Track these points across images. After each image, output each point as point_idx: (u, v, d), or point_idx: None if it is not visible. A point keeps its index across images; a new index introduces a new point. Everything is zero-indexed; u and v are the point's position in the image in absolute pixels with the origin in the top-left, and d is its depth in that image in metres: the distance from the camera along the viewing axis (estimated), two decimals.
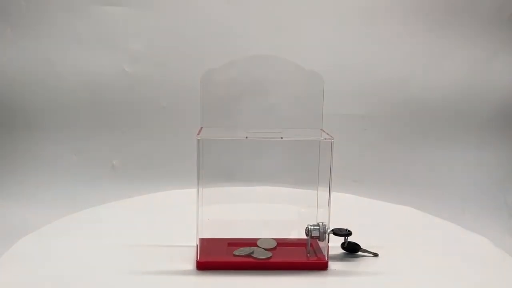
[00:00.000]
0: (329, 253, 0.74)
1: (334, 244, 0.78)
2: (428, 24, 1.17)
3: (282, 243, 0.78)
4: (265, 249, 0.77)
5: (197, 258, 0.73)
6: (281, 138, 0.72)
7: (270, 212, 0.80)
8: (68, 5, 1.18)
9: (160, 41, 1.21)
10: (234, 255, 0.75)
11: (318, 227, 0.75)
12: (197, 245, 0.73)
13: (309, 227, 0.76)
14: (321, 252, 0.77)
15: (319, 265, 0.74)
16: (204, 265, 0.72)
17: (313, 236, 0.75)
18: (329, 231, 0.74)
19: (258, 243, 0.79)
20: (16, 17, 1.18)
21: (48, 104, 1.20)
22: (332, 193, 0.73)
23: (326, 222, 0.74)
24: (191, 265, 0.73)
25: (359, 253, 0.79)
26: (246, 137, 0.71)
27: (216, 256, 0.75)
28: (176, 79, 1.21)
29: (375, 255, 0.79)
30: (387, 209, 1.07)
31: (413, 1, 1.18)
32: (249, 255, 0.75)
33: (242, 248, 0.77)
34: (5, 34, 1.19)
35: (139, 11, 1.19)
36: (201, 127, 0.76)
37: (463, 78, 1.23)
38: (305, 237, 0.76)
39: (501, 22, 1.20)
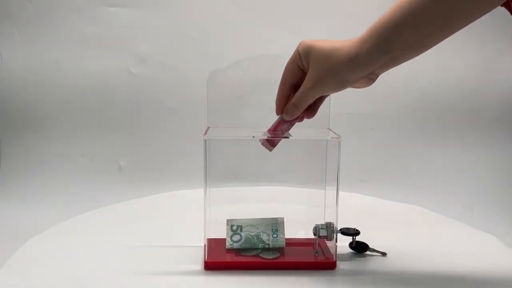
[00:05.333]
0: (337, 252, 0.74)
1: (342, 244, 0.78)
2: None
3: (289, 243, 0.78)
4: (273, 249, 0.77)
5: (205, 258, 0.73)
6: (288, 137, 0.72)
7: (278, 212, 0.80)
8: (74, 6, 1.18)
9: (166, 42, 1.21)
10: (242, 255, 0.75)
11: (326, 227, 0.75)
12: (204, 245, 0.73)
13: (317, 226, 0.75)
14: (329, 251, 0.77)
15: (327, 265, 0.74)
16: (212, 265, 0.73)
17: (321, 236, 0.75)
18: (337, 230, 0.74)
19: None
20: (23, 19, 1.19)
21: (55, 106, 1.21)
22: (340, 193, 0.73)
23: (334, 222, 0.74)
24: (199, 265, 0.74)
25: (367, 252, 0.79)
26: (253, 137, 0.71)
27: (223, 256, 0.75)
28: (182, 80, 1.21)
29: (384, 254, 0.79)
30: (395, 208, 1.07)
31: None
32: (256, 255, 0.75)
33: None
34: (12, 36, 1.20)
35: (145, 12, 1.19)
36: (208, 127, 0.76)
37: (471, 76, 1.23)
38: (313, 236, 0.76)
39: (508, 20, 1.19)
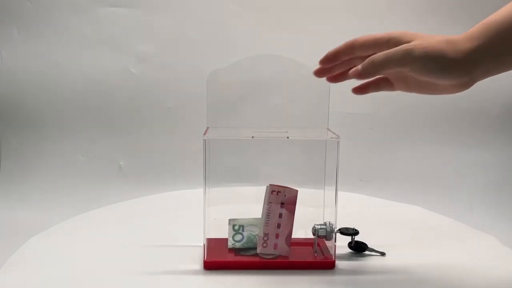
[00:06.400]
0: (336, 252, 0.74)
1: (341, 244, 0.78)
2: (434, 22, 1.17)
3: None
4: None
5: (204, 258, 0.73)
6: (287, 137, 0.72)
7: None
8: (74, 6, 1.19)
9: (166, 42, 1.21)
10: (241, 255, 0.75)
11: (325, 227, 0.75)
12: (204, 245, 0.73)
13: (316, 226, 0.76)
14: (328, 251, 0.77)
15: (326, 265, 0.74)
16: (211, 265, 0.73)
17: (320, 236, 0.75)
18: (336, 230, 0.74)
19: None
20: (23, 19, 1.19)
21: (55, 106, 1.21)
22: (339, 193, 0.73)
23: (333, 222, 0.74)
24: (199, 265, 0.74)
25: (366, 252, 0.79)
26: (252, 137, 0.71)
27: (223, 256, 0.75)
28: (182, 80, 1.21)
29: (382, 254, 0.79)
30: (394, 208, 1.07)
31: None
32: (256, 255, 0.75)
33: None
34: (12, 36, 1.20)
35: (145, 12, 1.20)
36: (208, 128, 0.76)
37: None
38: (312, 236, 0.76)
39: None
